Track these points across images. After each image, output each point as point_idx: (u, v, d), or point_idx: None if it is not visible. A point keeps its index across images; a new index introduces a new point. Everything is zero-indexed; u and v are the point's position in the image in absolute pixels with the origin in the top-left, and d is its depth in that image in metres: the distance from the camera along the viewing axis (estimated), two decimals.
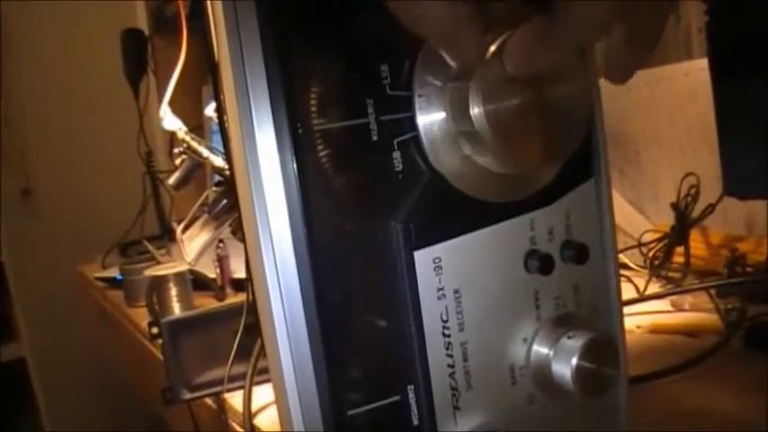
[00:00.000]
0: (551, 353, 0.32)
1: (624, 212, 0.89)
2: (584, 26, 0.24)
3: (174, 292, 0.85)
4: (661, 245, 0.78)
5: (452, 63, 0.27)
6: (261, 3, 0.26)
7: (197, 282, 0.92)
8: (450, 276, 0.30)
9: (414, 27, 0.25)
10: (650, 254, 0.78)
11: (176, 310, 0.85)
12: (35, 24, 2.02)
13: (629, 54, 0.28)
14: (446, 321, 0.30)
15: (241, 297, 0.65)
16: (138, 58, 1.36)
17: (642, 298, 0.71)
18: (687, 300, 0.68)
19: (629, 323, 0.63)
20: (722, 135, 0.57)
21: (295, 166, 0.27)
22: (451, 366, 0.30)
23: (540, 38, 0.25)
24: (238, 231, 0.40)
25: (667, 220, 0.78)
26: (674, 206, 0.75)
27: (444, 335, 0.30)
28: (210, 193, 0.54)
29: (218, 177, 0.57)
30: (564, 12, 0.24)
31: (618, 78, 0.29)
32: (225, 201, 0.50)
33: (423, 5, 0.25)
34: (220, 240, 0.93)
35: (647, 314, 0.67)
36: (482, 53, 0.26)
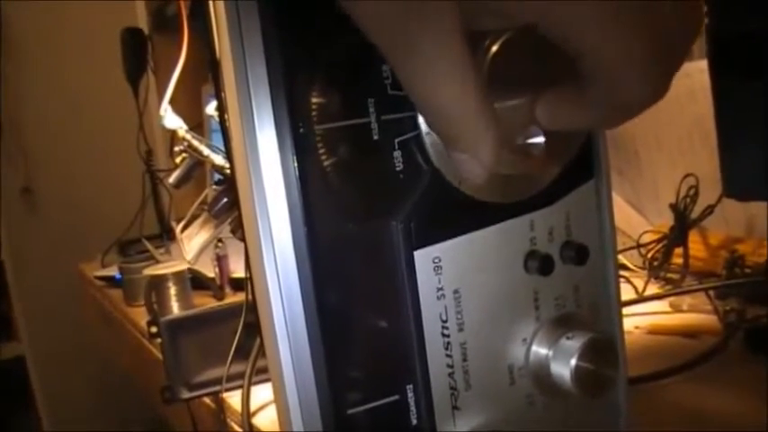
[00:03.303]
0: (551, 353, 0.32)
1: (623, 213, 0.89)
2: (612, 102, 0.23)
3: (173, 291, 0.85)
4: (660, 246, 0.78)
5: (462, 168, 0.24)
6: (262, 2, 0.26)
7: (196, 281, 0.93)
8: (449, 276, 0.30)
9: (424, 116, 0.23)
10: (649, 255, 0.79)
11: (175, 309, 0.85)
12: (35, 24, 2.01)
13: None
14: (445, 321, 0.30)
15: (240, 296, 0.65)
16: (137, 57, 1.36)
17: (641, 299, 0.71)
18: (686, 301, 0.68)
19: (628, 324, 0.63)
20: (722, 136, 0.57)
21: (296, 165, 0.27)
22: (451, 366, 0.30)
23: (570, 101, 0.24)
24: (238, 230, 0.40)
25: (666, 220, 0.78)
26: (674, 207, 0.75)
27: (444, 335, 0.30)
28: (210, 191, 0.54)
29: (217, 176, 0.57)
30: (594, 81, 0.23)
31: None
32: (225, 199, 0.50)
33: (438, 95, 0.21)
34: (219, 240, 0.93)
35: (646, 315, 0.67)
36: (498, 156, 0.22)
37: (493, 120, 0.22)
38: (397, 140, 0.29)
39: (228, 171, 0.40)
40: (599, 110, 0.24)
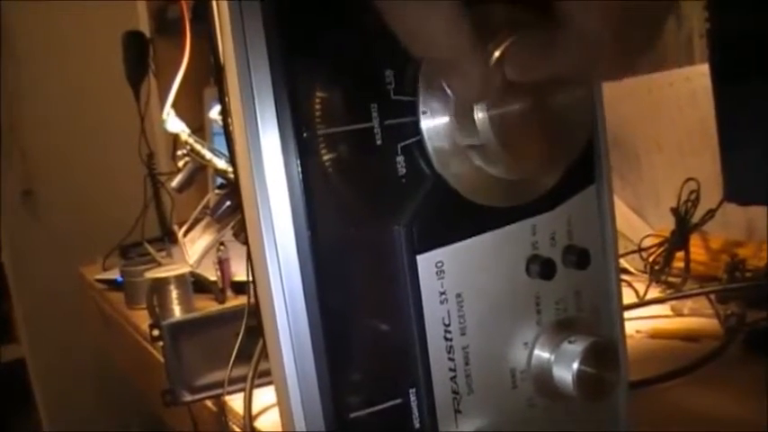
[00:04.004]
0: (552, 357, 0.32)
1: (624, 217, 0.89)
2: (583, 46, 0.23)
3: (174, 294, 0.85)
4: (661, 250, 0.78)
5: (451, 93, 0.27)
6: (266, 6, 0.27)
7: (197, 284, 0.93)
8: (452, 280, 0.30)
9: (413, 49, 0.25)
10: (650, 259, 0.79)
11: (177, 312, 0.85)
12: (36, 25, 2.02)
13: (620, 56, 0.25)
14: (448, 325, 0.30)
15: (241, 300, 0.65)
16: (139, 60, 1.36)
17: (642, 303, 0.71)
18: (687, 305, 0.68)
19: (629, 328, 0.63)
20: (723, 141, 0.58)
21: (299, 169, 0.27)
22: (453, 370, 0.31)
23: (540, 49, 0.24)
24: (241, 234, 0.40)
25: (667, 224, 0.78)
26: (675, 211, 0.75)
27: (446, 339, 0.30)
28: (212, 195, 0.54)
29: (220, 180, 0.57)
30: (564, 29, 0.23)
31: (608, 78, 0.28)
32: (227, 203, 0.50)
33: (425, 28, 0.23)
34: (221, 243, 0.93)
35: (648, 319, 0.67)
36: (485, 88, 0.25)
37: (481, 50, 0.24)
38: (400, 145, 0.29)
39: (231, 175, 0.41)
40: (570, 55, 0.24)
